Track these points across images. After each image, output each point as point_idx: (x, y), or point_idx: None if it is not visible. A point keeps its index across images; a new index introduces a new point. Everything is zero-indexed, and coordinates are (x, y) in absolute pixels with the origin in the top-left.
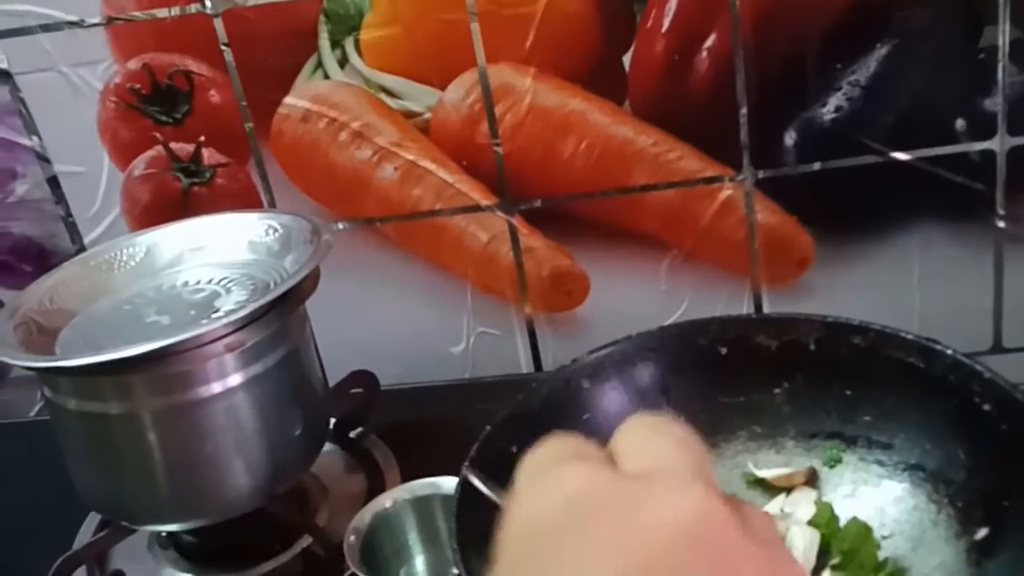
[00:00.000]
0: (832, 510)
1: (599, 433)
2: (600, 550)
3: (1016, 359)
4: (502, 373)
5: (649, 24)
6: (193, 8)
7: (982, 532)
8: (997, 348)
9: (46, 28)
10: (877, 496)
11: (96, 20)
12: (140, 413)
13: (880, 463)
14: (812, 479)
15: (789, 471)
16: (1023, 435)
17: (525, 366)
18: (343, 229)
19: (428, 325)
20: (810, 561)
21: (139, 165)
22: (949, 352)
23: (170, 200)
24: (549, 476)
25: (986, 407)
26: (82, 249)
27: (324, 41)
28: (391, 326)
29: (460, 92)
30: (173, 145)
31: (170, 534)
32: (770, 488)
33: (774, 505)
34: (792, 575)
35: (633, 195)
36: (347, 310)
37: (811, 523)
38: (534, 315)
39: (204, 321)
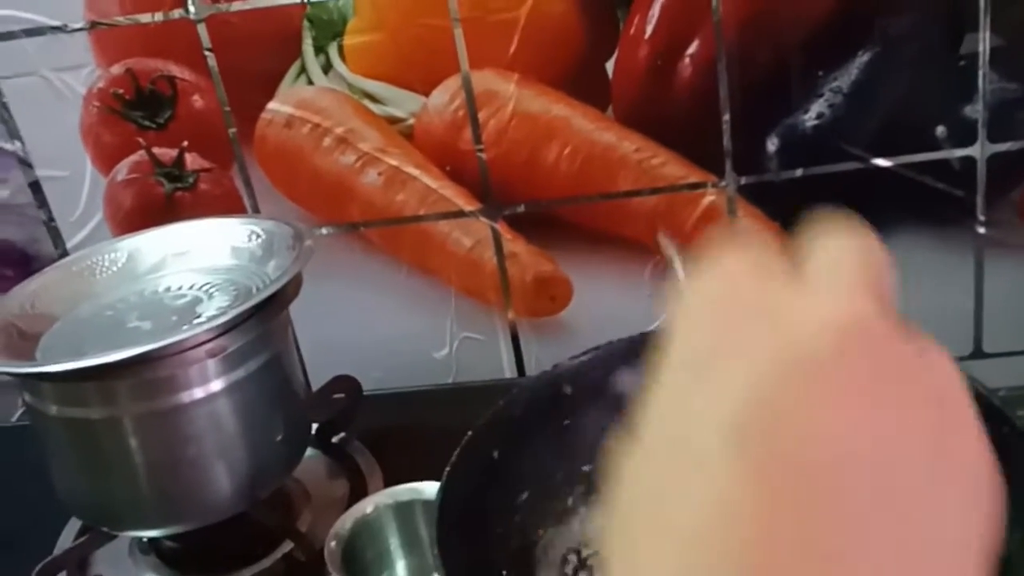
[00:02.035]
0: None
1: (580, 440)
2: (749, 349)
3: (996, 364)
4: (486, 378)
5: (632, 31)
6: (177, 13)
7: None
8: (978, 353)
9: (29, 33)
10: None
11: (79, 25)
12: (122, 418)
13: None
14: None
15: None
16: (999, 440)
17: (508, 371)
18: (327, 234)
19: (412, 330)
20: None
21: (122, 170)
22: None
23: (153, 205)
24: (709, 274)
25: None
26: (64, 254)
27: (308, 47)
28: (375, 331)
29: (444, 98)
30: (156, 150)
31: (151, 539)
32: None
33: None
34: (961, 414)
35: (616, 201)
36: (331, 315)
37: None
38: (518, 320)
39: (186, 327)
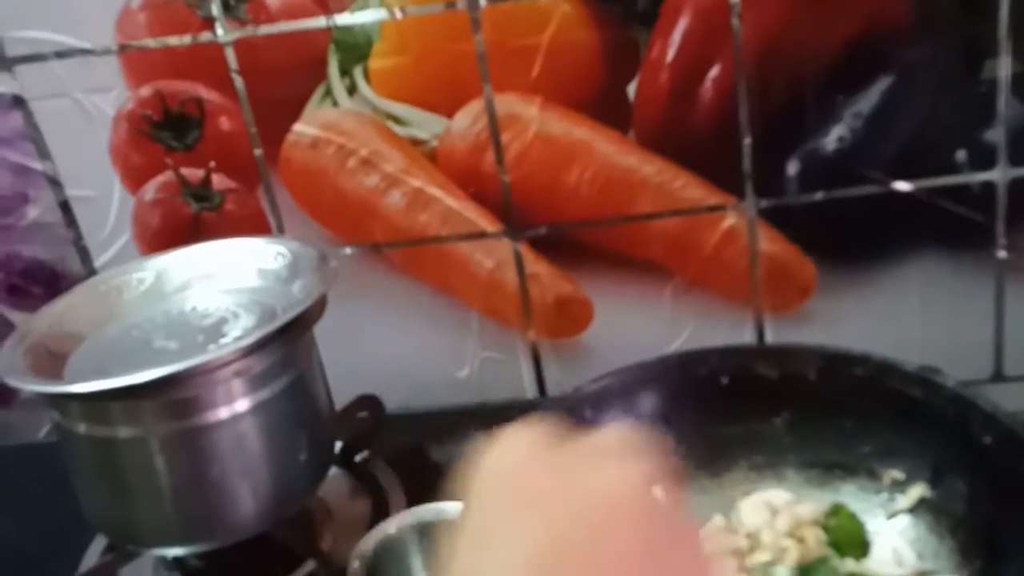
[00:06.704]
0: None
1: None
2: (539, 505)
3: (1017, 387)
4: (507, 398)
5: (654, 55)
6: (205, 36)
7: (981, 565)
8: (998, 377)
9: (60, 55)
10: (878, 527)
11: (109, 47)
12: (148, 438)
13: (881, 494)
14: None
15: None
16: (1021, 468)
17: (529, 391)
18: (350, 254)
19: (434, 350)
20: None
21: (150, 190)
22: (949, 384)
23: (180, 225)
24: (503, 444)
25: (986, 440)
26: (92, 273)
27: (333, 69)
28: (397, 350)
29: (467, 120)
30: (183, 170)
31: (176, 557)
32: None
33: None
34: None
35: (637, 223)
36: (354, 335)
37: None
38: (539, 341)
39: (212, 347)
